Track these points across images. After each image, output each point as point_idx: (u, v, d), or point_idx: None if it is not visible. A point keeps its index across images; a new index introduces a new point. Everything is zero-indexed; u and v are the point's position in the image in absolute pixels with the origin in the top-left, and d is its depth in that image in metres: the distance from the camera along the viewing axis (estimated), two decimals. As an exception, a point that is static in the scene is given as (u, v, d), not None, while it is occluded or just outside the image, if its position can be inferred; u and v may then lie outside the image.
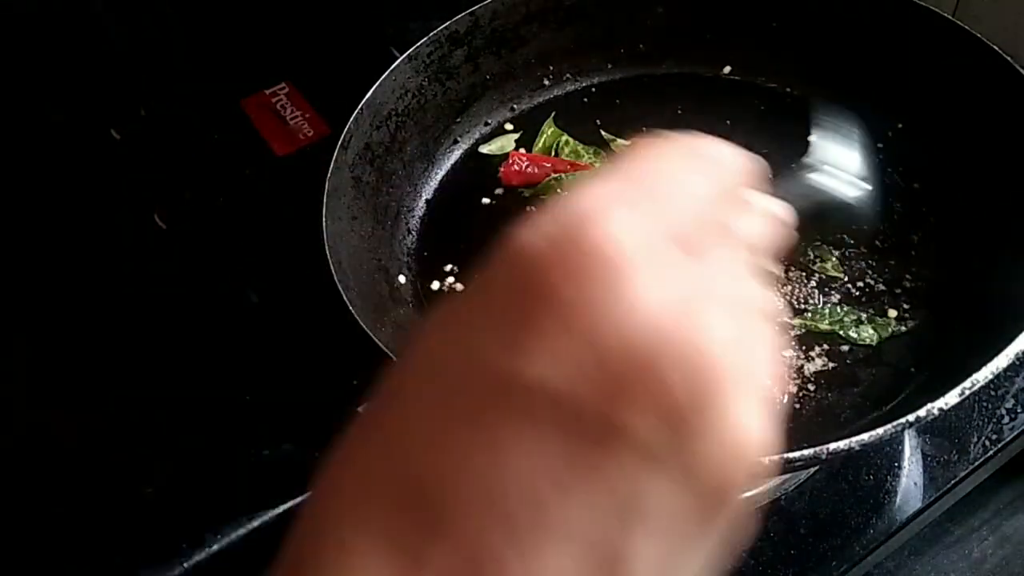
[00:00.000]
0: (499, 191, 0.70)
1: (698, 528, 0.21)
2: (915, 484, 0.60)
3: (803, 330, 0.58)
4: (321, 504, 0.22)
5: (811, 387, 0.56)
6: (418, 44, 0.67)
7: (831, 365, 0.57)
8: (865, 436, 0.43)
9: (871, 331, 0.58)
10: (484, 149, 0.72)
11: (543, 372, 0.20)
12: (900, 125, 0.69)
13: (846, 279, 0.61)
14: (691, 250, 0.23)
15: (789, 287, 0.61)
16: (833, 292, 0.60)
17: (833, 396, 0.55)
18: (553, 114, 0.74)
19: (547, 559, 0.19)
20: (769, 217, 0.28)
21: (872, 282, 0.61)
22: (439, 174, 0.71)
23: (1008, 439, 0.62)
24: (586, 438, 0.20)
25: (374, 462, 0.21)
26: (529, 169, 0.69)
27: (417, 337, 0.23)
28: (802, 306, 0.60)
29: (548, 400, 0.20)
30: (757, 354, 0.22)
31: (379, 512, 0.20)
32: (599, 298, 0.20)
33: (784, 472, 0.58)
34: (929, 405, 0.44)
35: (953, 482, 0.60)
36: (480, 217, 0.68)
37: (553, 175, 0.68)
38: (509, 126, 0.74)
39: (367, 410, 0.22)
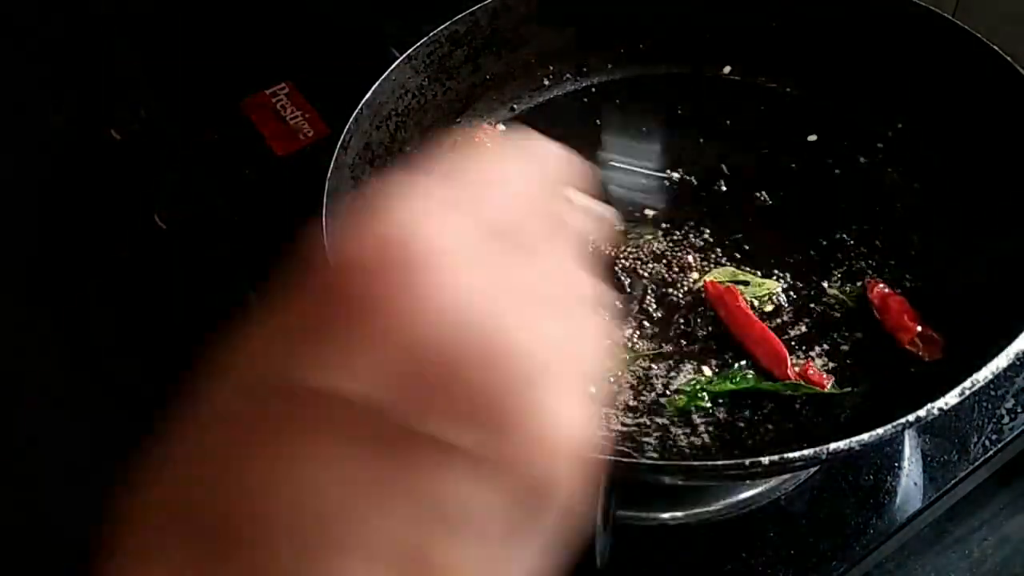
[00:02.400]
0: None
1: (521, 528, 0.21)
2: (915, 484, 0.60)
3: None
4: (118, 539, 0.21)
5: (811, 387, 0.56)
6: (418, 44, 0.67)
7: (831, 365, 0.57)
8: (865, 436, 0.43)
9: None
10: None
11: (342, 383, 0.19)
12: (900, 125, 0.69)
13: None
14: (516, 245, 0.23)
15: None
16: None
17: (833, 396, 0.55)
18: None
19: (348, 574, 0.19)
20: (594, 213, 0.28)
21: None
22: (439, 174, 0.71)
23: (1008, 439, 0.62)
24: (385, 447, 0.19)
25: (171, 494, 0.21)
26: None
27: (221, 358, 0.22)
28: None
29: (347, 411, 0.19)
30: (576, 347, 0.22)
31: (173, 545, 0.20)
32: (400, 303, 0.20)
33: (784, 472, 0.58)
34: (929, 405, 0.44)
35: (953, 482, 0.60)
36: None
37: None
38: (502, 127, 0.74)
39: (169, 437, 0.21)
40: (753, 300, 0.60)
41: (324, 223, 0.56)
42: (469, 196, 0.23)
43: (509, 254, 0.22)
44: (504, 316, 0.20)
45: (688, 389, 0.56)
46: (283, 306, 0.21)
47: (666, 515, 0.59)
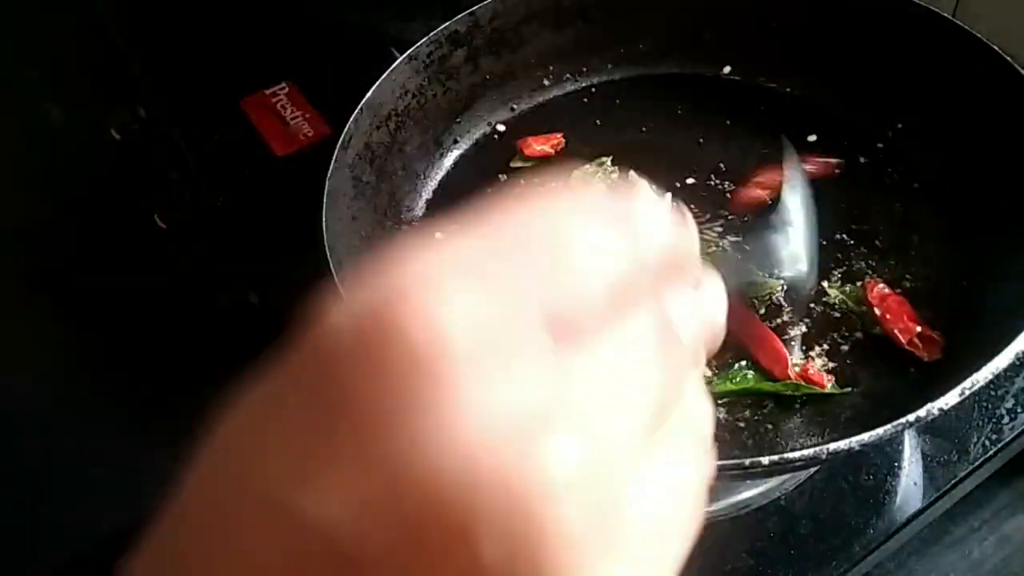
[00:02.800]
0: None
1: None
2: (915, 484, 0.60)
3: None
4: None
5: (811, 387, 0.56)
6: (418, 44, 0.67)
7: (831, 365, 0.57)
8: (865, 436, 0.43)
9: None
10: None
11: (324, 508, 0.15)
12: (900, 125, 0.69)
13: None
14: (575, 336, 0.17)
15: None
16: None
17: (833, 396, 0.55)
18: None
19: None
20: (706, 300, 0.21)
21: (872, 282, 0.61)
22: (439, 174, 0.71)
23: (1008, 439, 0.62)
24: None
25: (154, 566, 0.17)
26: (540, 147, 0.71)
27: (200, 452, 0.18)
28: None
29: (327, 542, 0.15)
30: (666, 514, 0.17)
31: None
32: (404, 412, 0.15)
33: (784, 472, 0.58)
34: (929, 405, 0.44)
35: (953, 482, 0.60)
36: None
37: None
38: (502, 127, 0.74)
39: (136, 556, 0.18)
40: (753, 300, 0.60)
41: (324, 223, 0.56)
42: (513, 262, 0.17)
43: (553, 352, 0.16)
44: (534, 451, 0.15)
45: (688, 389, 0.56)
46: (264, 390, 0.17)
47: (666, 515, 0.59)
